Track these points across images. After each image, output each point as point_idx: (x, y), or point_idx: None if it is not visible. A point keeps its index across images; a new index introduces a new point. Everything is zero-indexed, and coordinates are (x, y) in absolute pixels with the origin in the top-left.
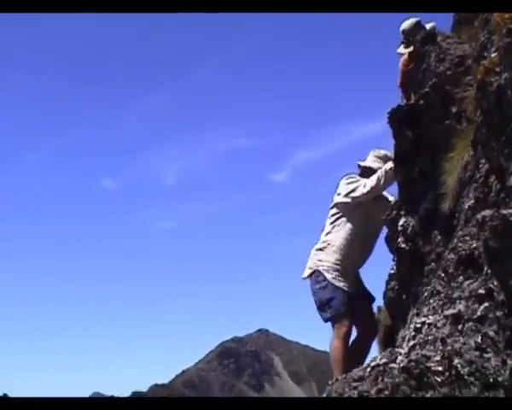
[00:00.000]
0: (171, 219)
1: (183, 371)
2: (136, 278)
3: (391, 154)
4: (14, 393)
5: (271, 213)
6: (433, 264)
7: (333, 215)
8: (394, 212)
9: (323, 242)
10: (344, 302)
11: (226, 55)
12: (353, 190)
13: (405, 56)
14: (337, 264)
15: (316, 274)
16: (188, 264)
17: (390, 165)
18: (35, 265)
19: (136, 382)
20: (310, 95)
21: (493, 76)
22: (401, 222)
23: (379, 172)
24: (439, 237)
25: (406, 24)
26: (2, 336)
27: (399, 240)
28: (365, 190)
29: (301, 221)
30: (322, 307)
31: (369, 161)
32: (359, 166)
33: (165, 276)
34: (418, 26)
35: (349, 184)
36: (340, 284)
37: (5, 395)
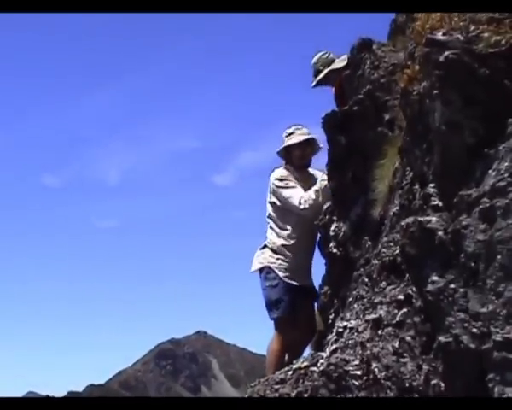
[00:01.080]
0: (114, 218)
1: (120, 372)
2: (76, 275)
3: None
4: None
5: (214, 214)
6: (361, 269)
7: (272, 212)
8: (327, 217)
9: (271, 240)
10: (291, 306)
11: (174, 53)
12: (286, 199)
13: (334, 88)
14: (287, 262)
15: (266, 270)
16: (129, 263)
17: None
18: None
19: (72, 382)
20: (255, 96)
21: (415, 85)
22: (333, 227)
23: (316, 186)
24: (368, 243)
25: (315, 57)
26: None
27: (331, 245)
28: (301, 207)
29: (243, 223)
30: (269, 305)
31: (290, 141)
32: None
33: (104, 275)
34: (327, 55)
35: (280, 187)
36: (293, 283)
37: None
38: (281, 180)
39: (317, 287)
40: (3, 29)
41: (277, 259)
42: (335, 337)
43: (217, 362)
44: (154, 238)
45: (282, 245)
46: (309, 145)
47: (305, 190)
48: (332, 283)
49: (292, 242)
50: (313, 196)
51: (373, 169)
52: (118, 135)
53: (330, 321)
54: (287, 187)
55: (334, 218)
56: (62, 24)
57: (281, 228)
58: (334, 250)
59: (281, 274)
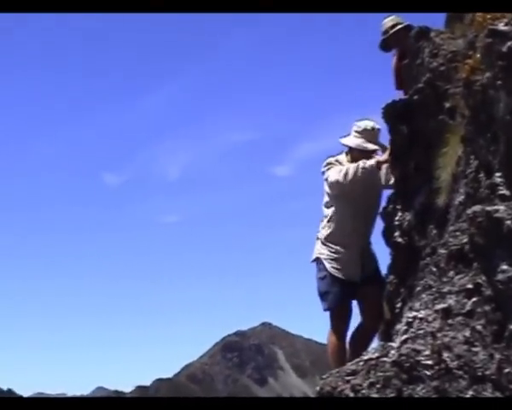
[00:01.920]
0: (175, 214)
1: (187, 366)
2: (140, 272)
3: (373, 125)
4: (19, 389)
5: (274, 206)
6: (427, 258)
7: (324, 202)
8: (390, 206)
9: (320, 231)
10: (340, 297)
11: (229, 48)
12: (327, 179)
13: (395, 58)
14: (336, 252)
15: (318, 262)
16: (191, 258)
17: (372, 161)
18: (38, 260)
19: (140, 376)
20: (313, 86)
21: (478, 74)
22: (397, 217)
23: (351, 166)
24: (434, 232)
25: (385, 19)
26: (7, 331)
27: (395, 234)
28: (329, 181)
29: (304, 214)
30: (320, 296)
31: (349, 139)
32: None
33: (169, 270)
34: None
35: (324, 172)
36: (340, 275)
37: (10, 390)
38: (325, 165)
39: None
40: (65, 30)
41: (325, 250)
42: (405, 328)
43: (282, 353)
44: (216, 232)
45: (329, 235)
46: (373, 152)
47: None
48: (398, 272)
49: (339, 232)
50: (342, 173)
51: (435, 158)
52: (176, 131)
53: (397, 310)
54: (329, 169)
55: (398, 207)
56: (121, 21)
57: (328, 219)
58: (399, 239)
59: (328, 266)
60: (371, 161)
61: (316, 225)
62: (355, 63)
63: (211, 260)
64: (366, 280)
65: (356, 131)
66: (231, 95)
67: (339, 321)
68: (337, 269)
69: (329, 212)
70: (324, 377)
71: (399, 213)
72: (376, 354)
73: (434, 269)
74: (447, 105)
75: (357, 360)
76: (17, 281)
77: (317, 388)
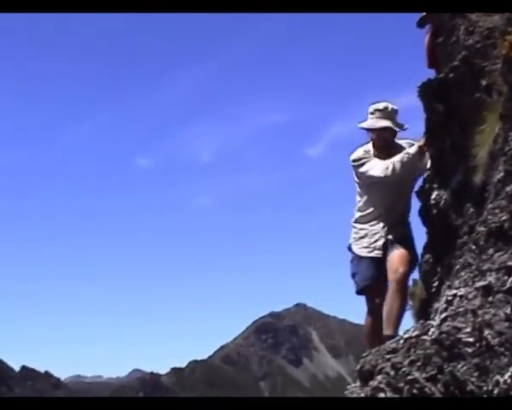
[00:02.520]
0: (208, 196)
1: (222, 347)
2: (174, 254)
3: (385, 105)
4: (56, 371)
5: (307, 187)
6: (465, 237)
7: (359, 191)
8: (427, 185)
9: (354, 217)
10: (365, 277)
11: (264, 28)
12: (362, 174)
13: (428, 36)
14: (362, 230)
15: (349, 247)
16: (224, 240)
17: (414, 149)
18: (76, 241)
19: (175, 358)
20: (345, 66)
21: None
22: (433, 195)
23: (397, 161)
24: (471, 210)
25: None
26: (45, 313)
27: (432, 213)
28: (374, 176)
29: (337, 195)
30: (352, 279)
31: (364, 122)
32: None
33: (202, 252)
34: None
35: (355, 167)
36: (364, 253)
37: (47, 372)
38: (355, 160)
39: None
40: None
41: (354, 233)
42: (445, 306)
43: (317, 334)
44: (249, 214)
45: (358, 217)
46: (386, 130)
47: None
48: (434, 250)
49: (369, 214)
50: (390, 166)
51: (472, 136)
52: (208, 114)
53: (434, 289)
54: (361, 165)
55: (435, 186)
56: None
57: (361, 204)
58: (436, 218)
59: (354, 247)
60: (413, 149)
61: (348, 205)
62: (388, 42)
63: (244, 242)
64: (393, 244)
65: (369, 113)
66: (263, 77)
67: (368, 301)
68: (362, 247)
69: (363, 198)
70: (364, 355)
71: (436, 192)
72: (416, 333)
73: (473, 247)
74: (484, 82)
75: (397, 338)
76: (55, 264)
77: (358, 366)
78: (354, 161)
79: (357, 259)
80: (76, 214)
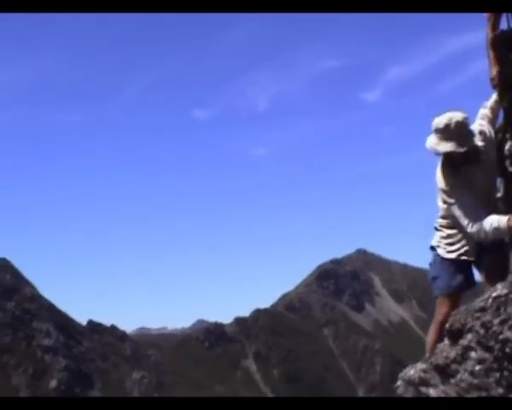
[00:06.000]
0: (264, 146)
1: (284, 295)
2: (232, 205)
3: (447, 121)
4: (122, 324)
5: (365, 132)
6: None
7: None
8: (500, 135)
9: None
10: (447, 285)
11: None
12: (454, 214)
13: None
14: (450, 233)
15: (432, 249)
16: (282, 189)
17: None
18: (132, 195)
19: (238, 308)
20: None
21: None
22: (507, 146)
23: (495, 223)
24: None
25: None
26: (109, 267)
27: (506, 164)
28: (467, 230)
29: (394, 140)
30: (432, 282)
31: (431, 143)
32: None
33: (260, 202)
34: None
35: (447, 196)
36: (452, 255)
37: (113, 326)
38: (445, 192)
39: None
40: None
41: (437, 235)
42: None
43: (379, 279)
44: (307, 162)
45: (445, 224)
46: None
47: (475, 192)
48: (509, 203)
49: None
50: (485, 229)
51: None
52: (263, 63)
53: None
54: (454, 203)
55: (508, 136)
56: None
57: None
58: (511, 169)
59: (439, 250)
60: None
61: (405, 150)
62: None
63: (303, 191)
64: (487, 250)
65: (433, 130)
66: (317, 22)
67: (444, 310)
68: (449, 251)
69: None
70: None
71: (509, 143)
72: (505, 291)
73: None
74: None
75: (485, 296)
76: (118, 216)
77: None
78: (443, 191)
79: (441, 261)
80: (135, 166)
